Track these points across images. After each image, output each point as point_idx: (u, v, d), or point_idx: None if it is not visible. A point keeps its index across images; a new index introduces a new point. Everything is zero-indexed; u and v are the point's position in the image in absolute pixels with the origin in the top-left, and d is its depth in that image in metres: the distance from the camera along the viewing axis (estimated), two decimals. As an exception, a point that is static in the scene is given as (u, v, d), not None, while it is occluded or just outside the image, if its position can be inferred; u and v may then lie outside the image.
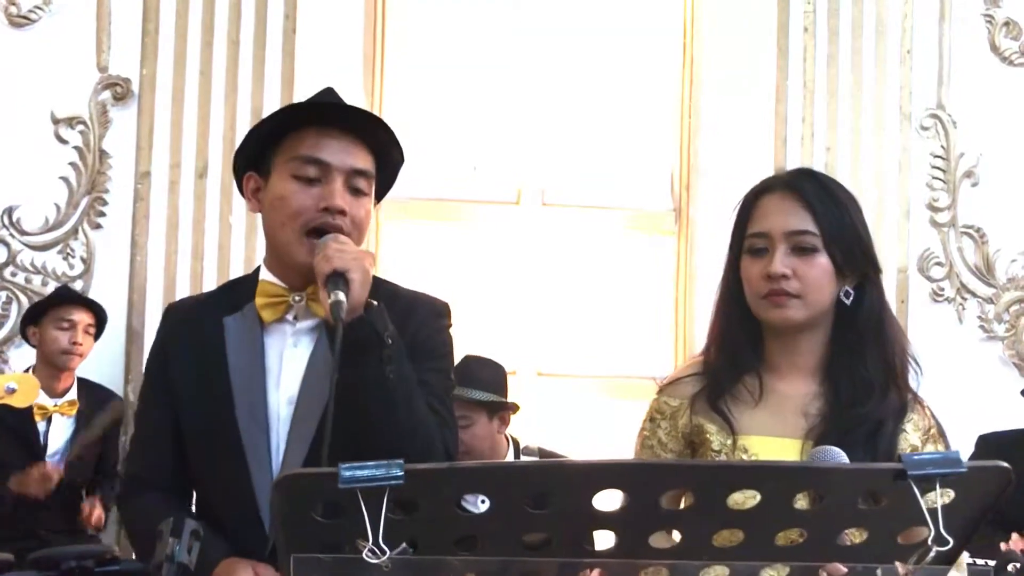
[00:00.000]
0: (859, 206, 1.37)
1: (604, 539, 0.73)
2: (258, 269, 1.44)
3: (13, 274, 3.42)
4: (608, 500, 0.70)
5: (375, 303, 1.25)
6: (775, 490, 0.70)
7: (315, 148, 1.34)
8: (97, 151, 3.45)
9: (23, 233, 3.42)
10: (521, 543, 0.71)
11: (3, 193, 3.41)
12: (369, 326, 1.23)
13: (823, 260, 1.30)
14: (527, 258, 3.59)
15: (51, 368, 3.13)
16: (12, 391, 2.29)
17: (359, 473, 0.64)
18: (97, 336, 3.21)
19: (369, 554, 0.64)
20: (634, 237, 3.66)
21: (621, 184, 3.64)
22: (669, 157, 3.67)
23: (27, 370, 3.18)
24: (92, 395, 3.24)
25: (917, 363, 1.36)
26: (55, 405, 3.15)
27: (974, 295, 3.68)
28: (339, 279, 1.22)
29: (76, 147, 3.45)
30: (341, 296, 1.20)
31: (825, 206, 1.31)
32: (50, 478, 2.76)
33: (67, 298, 3.18)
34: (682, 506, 0.71)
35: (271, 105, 3.40)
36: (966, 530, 0.70)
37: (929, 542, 0.66)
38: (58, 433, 3.19)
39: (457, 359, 2.65)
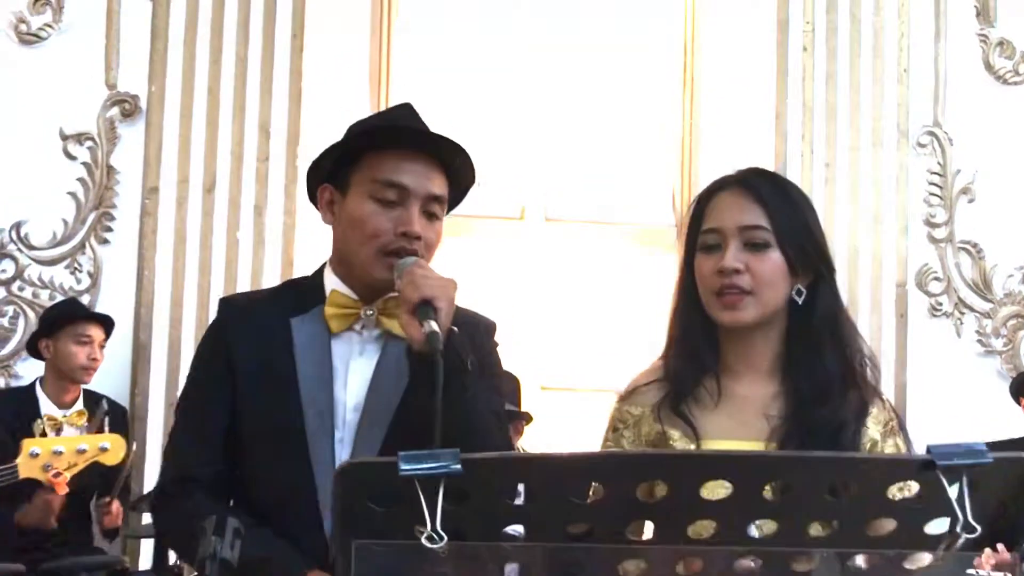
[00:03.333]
0: (812, 205, 1.38)
1: (645, 529, 0.76)
2: (319, 272, 1.44)
3: (21, 289, 3.44)
4: (654, 490, 0.73)
5: (455, 329, 1.27)
6: (805, 481, 0.73)
7: (395, 172, 1.35)
8: (105, 167, 3.48)
9: (31, 248, 3.45)
10: (566, 533, 0.74)
11: (11, 208, 3.44)
12: (455, 354, 1.24)
13: (776, 256, 1.29)
14: (530, 273, 3.63)
15: (63, 380, 3.14)
16: (105, 450, 2.55)
17: (418, 462, 0.67)
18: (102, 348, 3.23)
19: (427, 540, 0.67)
20: (636, 252, 3.71)
21: (623, 200, 3.69)
22: (671, 173, 3.72)
23: (36, 381, 3.19)
24: (100, 407, 3.25)
25: (874, 363, 1.36)
26: (64, 416, 3.16)
27: (972, 310, 3.73)
28: (428, 307, 1.24)
29: (84, 163, 3.48)
30: (435, 327, 1.22)
31: (778, 203, 1.31)
32: (51, 506, 2.76)
33: (84, 314, 3.20)
34: (716, 497, 0.74)
35: (279, 122, 3.45)
36: (989, 520, 0.73)
37: (958, 530, 0.70)
38: (65, 445, 3.20)
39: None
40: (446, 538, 0.67)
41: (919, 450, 1.35)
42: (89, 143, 3.48)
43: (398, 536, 0.71)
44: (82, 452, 2.54)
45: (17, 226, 3.44)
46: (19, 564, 2.72)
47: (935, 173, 3.73)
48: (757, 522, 0.75)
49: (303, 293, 1.43)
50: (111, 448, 2.54)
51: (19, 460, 2.45)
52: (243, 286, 3.40)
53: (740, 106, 3.60)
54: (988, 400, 3.59)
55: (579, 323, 3.65)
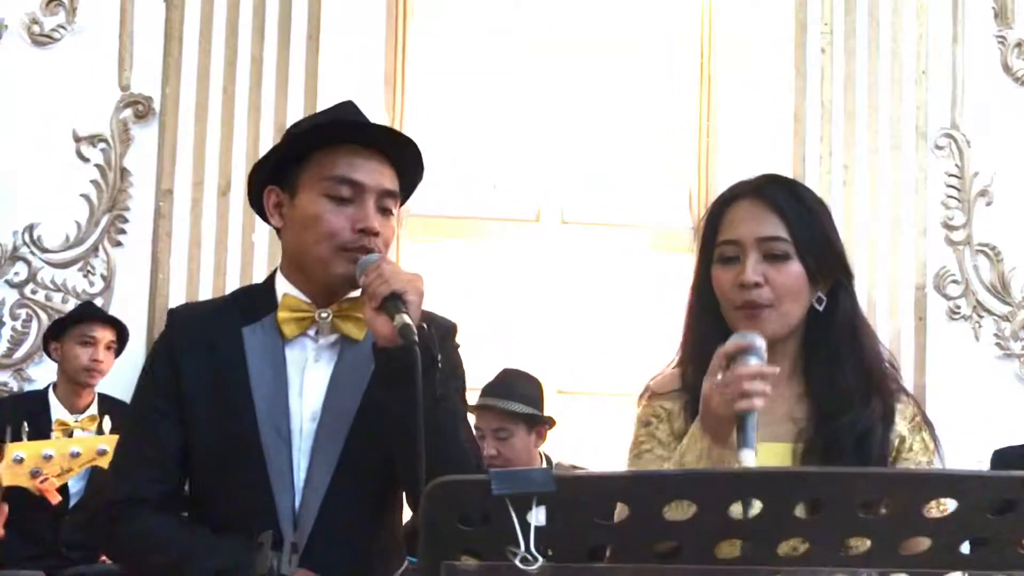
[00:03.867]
0: (829, 211, 1.36)
1: (731, 548, 0.74)
2: (271, 280, 1.40)
3: (34, 292, 3.41)
4: (743, 508, 0.70)
5: (424, 325, 1.24)
6: (904, 498, 0.71)
7: (349, 168, 1.32)
8: (118, 169, 3.45)
9: (44, 251, 3.42)
10: (652, 552, 0.72)
11: (24, 211, 3.41)
12: (426, 348, 1.21)
13: (795, 267, 1.28)
14: (547, 276, 3.61)
15: (72, 384, 3.12)
16: (103, 453, 2.26)
17: (510, 479, 0.65)
18: (118, 353, 3.20)
19: (521, 562, 0.64)
20: (653, 255, 3.69)
21: (640, 202, 3.67)
22: (688, 175, 3.70)
23: (49, 386, 3.17)
24: (113, 411, 3.22)
25: (894, 366, 1.36)
26: (76, 421, 3.13)
27: (990, 313, 3.71)
28: (398, 300, 1.21)
29: (97, 165, 3.46)
30: (407, 319, 1.19)
31: (796, 212, 1.29)
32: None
33: (90, 315, 3.17)
34: (808, 515, 0.72)
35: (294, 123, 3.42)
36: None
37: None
38: (79, 450, 3.17)
39: (493, 373, 2.68)
40: (540, 559, 0.64)
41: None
42: (102, 145, 3.46)
43: (483, 556, 0.68)
44: (76, 456, 2.28)
45: (30, 228, 3.42)
46: (38, 571, 2.70)
47: (953, 175, 3.71)
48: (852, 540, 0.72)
49: (254, 301, 1.39)
50: (111, 451, 2.38)
51: (1, 466, 2.22)
52: (258, 289, 3.38)
53: (757, 108, 3.58)
54: (1007, 403, 3.57)
55: (596, 326, 3.63)
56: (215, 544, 1.25)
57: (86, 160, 3.45)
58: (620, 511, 0.72)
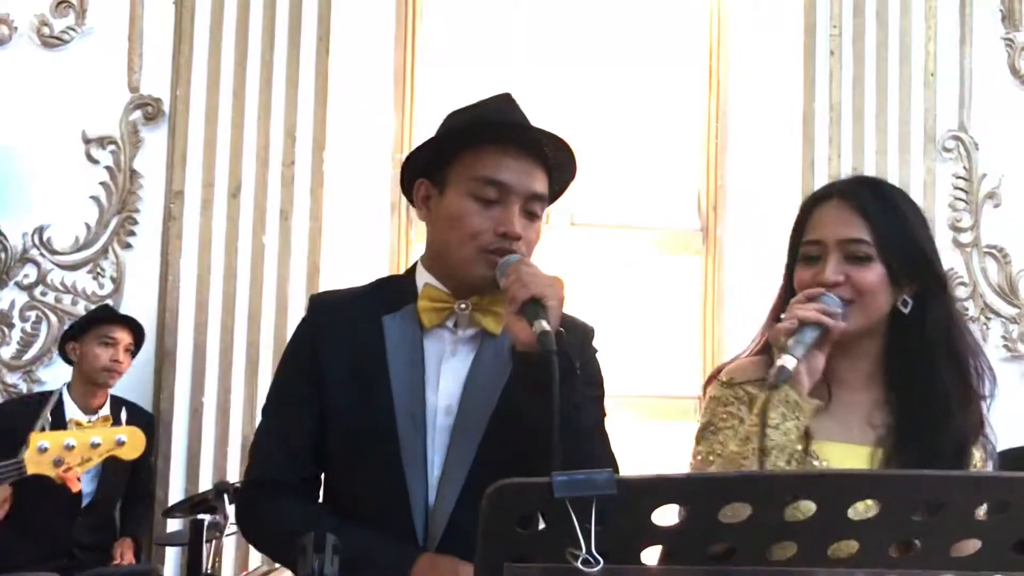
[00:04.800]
0: (923, 217, 1.37)
1: (786, 550, 0.74)
2: (412, 270, 1.40)
3: (43, 293, 3.41)
4: (800, 510, 0.71)
5: (563, 331, 1.22)
6: (958, 501, 0.71)
7: (496, 169, 1.30)
8: (128, 171, 3.45)
9: (53, 252, 3.42)
10: (706, 554, 0.72)
11: (34, 212, 3.41)
12: (565, 356, 1.18)
13: (877, 268, 1.28)
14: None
15: (88, 385, 3.12)
16: (121, 443, 2.32)
17: (573, 482, 0.65)
18: (133, 355, 3.21)
19: (583, 564, 0.65)
20: (662, 257, 3.69)
21: (649, 205, 3.67)
22: (697, 178, 3.70)
23: (64, 386, 3.17)
24: (125, 413, 3.22)
25: (991, 371, 1.35)
26: (90, 421, 3.13)
27: (998, 315, 3.71)
28: (537, 306, 1.19)
29: (107, 167, 3.46)
30: (546, 326, 1.16)
31: (881, 215, 1.30)
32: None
33: (111, 316, 3.18)
34: (865, 517, 0.72)
35: (304, 125, 3.43)
36: None
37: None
38: (90, 451, 3.17)
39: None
40: (602, 561, 0.65)
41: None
42: (112, 147, 3.46)
43: (540, 559, 0.69)
44: (96, 446, 2.35)
45: (39, 230, 3.41)
46: (51, 573, 2.70)
47: (961, 178, 3.72)
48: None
49: (395, 290, 1.38)
50: (128, 441, 2.35)
51: (26, 455, 2.28)
52: (269, 292, 3.38)
53: (767, 110, 3.58)
54: (1014, 405, 3.56)
55: (605, 329, 3.62)
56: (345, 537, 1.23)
57: (96, 162, 3.45)
58: (674, 513, 0.72)
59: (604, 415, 1.39)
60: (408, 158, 1.39)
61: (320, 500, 1.38)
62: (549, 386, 1.10)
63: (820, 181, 3.56)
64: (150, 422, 3.29)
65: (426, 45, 3.63)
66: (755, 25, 3.61)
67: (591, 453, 1.24)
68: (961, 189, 3.73)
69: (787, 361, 1.21)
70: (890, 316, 1.31)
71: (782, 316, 1.28)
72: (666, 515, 0.72)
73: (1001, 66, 3.75)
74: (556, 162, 1.35)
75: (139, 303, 3.39)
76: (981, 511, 0.76)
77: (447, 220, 1.33)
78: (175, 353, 3.36)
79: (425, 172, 1.37)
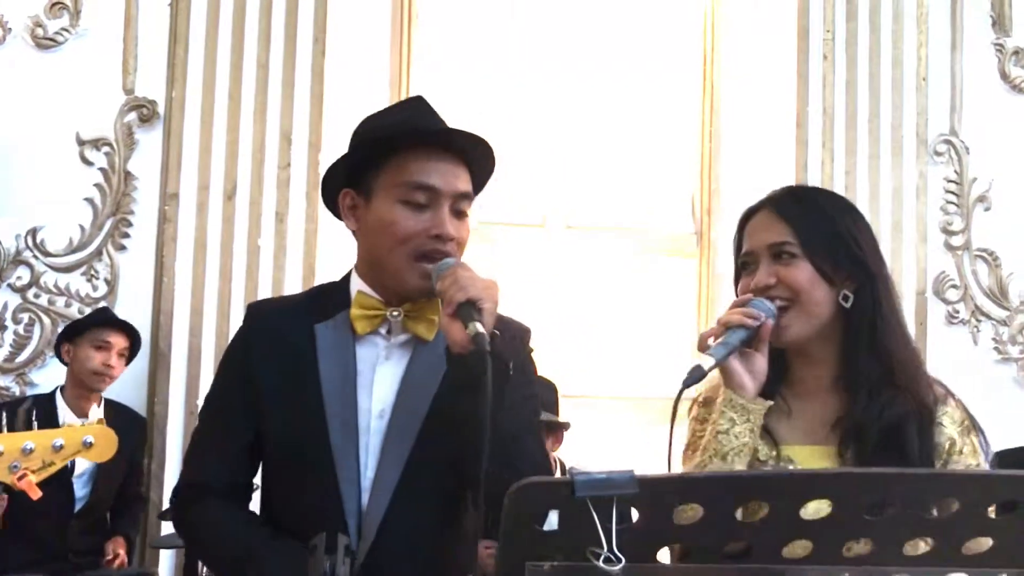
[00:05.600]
0: (853, 216, 1.40)
1: (801, 548, 0.75)
2: (346, 278, 1.41)
3: (36, 296, 3.40)
4: (815, 510, 0.72)
5: (497, 332, 1.23)
6: (907, 498, 0.72)
7: (423, 174, 1.32)
8: (122, 172, 3.44)
9: (47, 255, 3.41)
10: (723, 552, 0.73)
11: (27, 214, 3.39)
12: (499, 358, 1.19)
13: (805, 266, 1.32)
14: (552, 280, 3.62)
15: (80, 388, 3.11)
16: (89, 445, 2.18)
17: (594, 481, 0.66)
18: (129, 360, 3.20)
19: (604, 563, 0.65)
20: (656, 260, 3.70)
21: (644, 208, 3.69)
22: (691, 181, 3.72)
23: (57, 389, 3.15)
24: (118, 416, 3.21)
25: (920, 364, 1.37)
26: (83, 424, 3.11)
27: (988, 317, 3.74)
28: (472, 308, 1.21)
29: (101, 168, 3.44)
30: (480, 328, 1.18)
31: (803, 216, 1.34)
32: None
33: (107, 320, 3.17)
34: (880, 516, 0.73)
35: (300, 127, 3.43)
36: None
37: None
38: (84, 455, 3.15)
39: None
40: (624, 560, 0.65)
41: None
42: (106, 148, 3.45)
43: (559, 558, 0.69)
44: (59, 449, 2.07)
45: (33, 232, 3.40)
46: (47, 576, 2.68)
47: (952, 181, 3.75)
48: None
49: (328, 298, 1.40)
50: (97, 442, 2.11)
51: None
52: (264, 294, 3.37)
53: (760, 114, 3.61)
54: (1005, 407, 3.60)
55: (599, 330, 3.64)
56: (274, 547, 1.26)
57: (90, 164, 3.44)
58: (691, 512, 0.73)
59: (538, 415, 1.41)
60: (330, 170, 1.40)
61: (251, 506, 1.41)
62: (482, 386, 1.12)
63: (813, 184, 3.59)
64: (143, 425, 3.28)
65: (422, 47, 3.64)
66: (749, 29, 3.63)
67: (523, 452, 1.26)
68: (952, 192, 3.76)
69: (704, 360, 1.26)
70: (840, 317, 1.34)
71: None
72: (685, 514, 0.73)
73: (991, 71, 3.79)
74: (475, 157, 1.38)
75: (133, 306, 3.38)
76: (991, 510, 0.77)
77: (377, 227, 1.34)
78: (170, 356, 3.35)
79: (349, 182, 1.38)
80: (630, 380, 3.62)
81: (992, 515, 0.76)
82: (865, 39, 3.66)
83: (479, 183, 1.41)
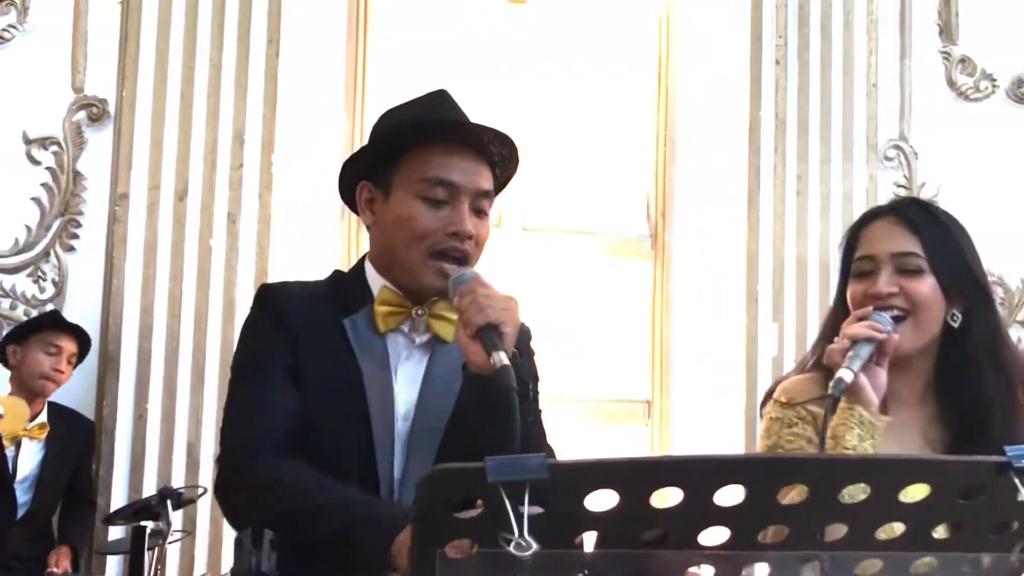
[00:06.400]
0: (967, 234, 1.41)
1: (717, 535, 0.76)
2: (360, 271, 1.36)
3: (-20, 297, 3.33)
4: (729, 495, 0.72)
5: (517, 352, 1.21)
6: (883, 484, 0.73)
7: (444, 169, 1.29)
8: (71, 172, 3.39)
9: (-8, 255, 3.34)
10: (640, 539, 0.73)
11: (-28, 214, 3.33)
12: (522, 384, 1.16)
13: (930, 280, 1.32)
14: (507, 282, 3.62)
15: (25, 391, 3.05)
16: None
17: (505, 467, 0.66)
18: (77, 364, 3.14)
19: (515, 548, 0.65)
20: (612, 262, 3.72)
21: (599, 210, 3.70)
22: (646, 184, 3.75)
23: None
24: (64, 420, 3.16)
25: None
26: (26, 428, 3.06)
27: (937, 320, 3.81)
28: (493, 332, 1.17)
29: (49, 168, 3.39)
30: (505, 358, 1.14)
31: (930, 229, 1.35)
32: None
33: (57, 323, 3.11)
34: (795, 501, 0.74)
35: (253, 128, 3.40)
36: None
37: (1034, 531, 0.70)
38: (27, 458, 3.10)
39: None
40: (535, 545, 0.65)
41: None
42: (54, 148, 3.39)
43: (479, 545, 0.69)
44: None
45: (-23, 232, 3.33)
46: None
47: (901, 186, 3.81)
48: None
49: (349, 291, 1.35)
50: (7, 414, 2.13)
51: None
52: (215, 296, 3.33)
53: (714, 118, 3.64)
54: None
55: (555, 332, 3.64)
56: (354, 500, 1.17)
57: (37, 163, 3.38)
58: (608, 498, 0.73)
59: (545, 436, 1.37)
60: (348, 161, 1.37)
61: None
62: (503, 411, 1.10)
63: (766, 188, 3.64)
64: (90, 429, 3.23)
65: (378, 48, 3.63)
66: (703, 35, 3.67)
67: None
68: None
69: (844, 374, 1.25)
70: (941, 332, 1.35)
71: (836, 338, 1.31)
72: (601, 500, 0.73)
73: (939, 79, 3.86)
74: (500, 157, 1.36)
75: (82, 308, 3.32)
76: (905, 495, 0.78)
77: (394, 222, 1.31)
78: (119, 359, 3.30)
79: (367, 175, 1.35)
80: (585, 381, 3.63)
81: (962, 501, 0.77)
82: (817, 46, 3.72)
83: (502, 182, 1.39)
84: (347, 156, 1.43)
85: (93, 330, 3.27)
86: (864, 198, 3.74)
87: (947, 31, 3.88)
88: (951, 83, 3.87)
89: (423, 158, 1.30)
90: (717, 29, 3.67)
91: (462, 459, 1.23)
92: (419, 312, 1.31)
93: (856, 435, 1.25)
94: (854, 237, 1.40)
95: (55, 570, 2.98)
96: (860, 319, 1.30)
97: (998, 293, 3.86)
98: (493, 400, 1.13)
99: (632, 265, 3.72)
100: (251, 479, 1.23)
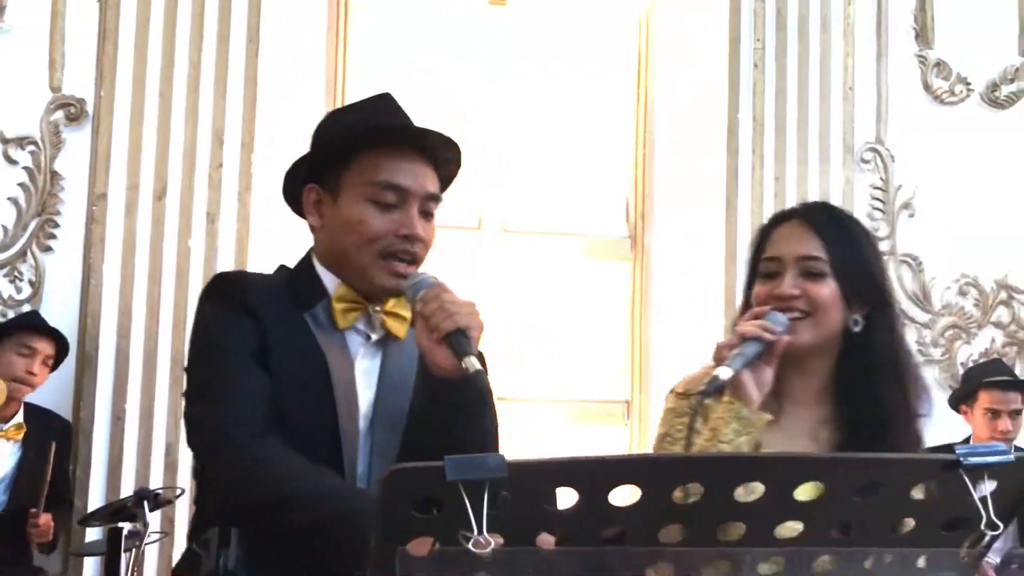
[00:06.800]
0: (873, 242, 1.45)
1: (673, 532, 0.77)
2: (308, 266, 1.36)
3: (-45, 298, 3.30)
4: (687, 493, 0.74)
5: (482, 354, 1.24)
6: (838, 482, 0.75)
7: (393, 173, 1.31)
8: (48, 172, 3.37)
9: (-33, 255, 3.32)
10: (599, 537, 0.74)
11: (-53, 214, 3.30)
12: (485, 385, 1.20)
13: (831, 284, 1.35)
14: (488, 283, 3.63)
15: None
16: None
17: (464, 466, 0.67)
18: (54, 367, 3.12)
19: (474, 546, 0.66)
20: (591, 263, 3.74)
21: (579, 212, 3.72)
22: (625, 186, 3.77)
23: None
24: (40, 420, 3.14)
25: (928, 393, 1.42)
26: (2, 430, 3.04)
27: (912, 321, 3.85)
28: (462, 337, 1.19)
29: (26, 167, 3.37)
30: (477, 363, 1.17)
31: (836, 236, 1.37)
32: None
33: (33, 325, 3.09)
34: (750, 499, 0.76)
35: (233, 128, 3.39)
36: (1007, 518, 0.76)
37: (982, 527, 0.72)
38: (3, 459, 3.08)
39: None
40: (493, 543, 0.66)
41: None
42: (31, 147, 3.37)
43: (439, 543, 0.70)
44: None
45: (-48, 232, 3.31)
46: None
47: (878, 188, 3.85)
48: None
49: (303, 287, 1.35)
50: None
51: None
52: (194, 297, 3.30)
53: (693, 121, 3.67)
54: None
55: (535, 334, 3.66)
56: (337, 491, 1.17)
57: (14, 163, 3.36)
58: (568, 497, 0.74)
59: (498, 434, 1.39)
60: (294, 165, 1.38)
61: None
62: (472, 413, 1.15)
63: (744, 190, 3.66)
64: (67, 430, 3.21)
65: (357, 50, 3.63)
66: (682, 37, 3.70)
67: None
68: (878, 199, 3.86)
69: (721, 372, 1.27)
70: (841, 336, 1.37)
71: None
72: (562, 499, 0.74)
73: (915, 82, 3.91)
74: (443, 160, 1.38)
75: (59, 308, 3.30)
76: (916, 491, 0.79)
77: (344, 225, 1.32)
78: (96, 359, 3.28)
79: (314, 177, 1.36)
80: (565, 382, 3.64)
81: (914, 497, 0.78)
82: (794, 49, 3.75)
83: (445, 184, 1.40)
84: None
85: (70, 331, 3.25)
86: (841, 200, 3.77)
87: (923, 35, 3.92)
88: (927, 87, 3.91)
89: (372, 162, 1.32)
90: (696, 32, 3.70)
91: (423, 452, 1.26)
92: (375, 309, 1.33)
93: (733, 429, 1.28)
94: (763, 238, 1.43)
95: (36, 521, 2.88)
96: (755, 317, 1.33)
97: (972, 295, 3.92)
98: (460, 402, 1.15)
99: (612, 266, 3.74)
100: (233, 464, 1.21)
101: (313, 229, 1.38)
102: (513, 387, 3.63)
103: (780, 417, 1.36)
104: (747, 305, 1.42)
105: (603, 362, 3.70)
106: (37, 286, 3.34)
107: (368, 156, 1.32)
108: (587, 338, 3.70)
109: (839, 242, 1.37)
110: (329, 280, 1.35)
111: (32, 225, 3.35)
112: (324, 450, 1.26)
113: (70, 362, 3.26)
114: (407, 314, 1.32)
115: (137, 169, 3.35)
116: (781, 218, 1.43)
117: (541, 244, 3.70)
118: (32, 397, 3.15)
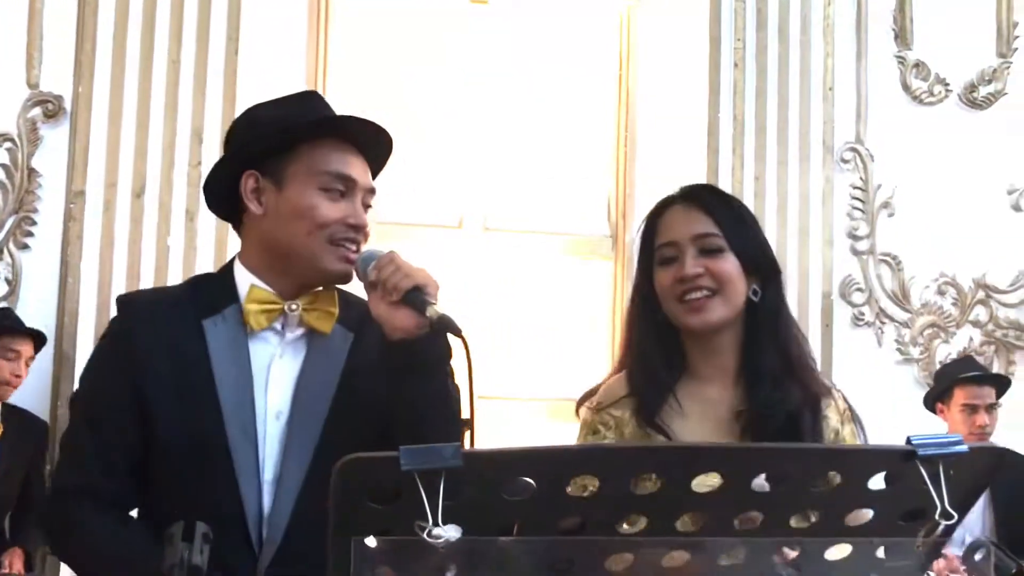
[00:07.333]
0: (752, 215, 1.48)
1: (631, 522, 0.77)
2: (228, 270, 1.36)
3: (-69, 296, 3.28)
4: (645, 484, 0.74)
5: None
6: (793, 473, 0.75)
7: (342, 164, 1.33)
8: (26, 169, 3.35)
9: (-57, 253, 3.29)
10: (557, 528, 0.74)
11: (-77, 211, 3.27)
12: (444, 341, 1.22)
13: (731, 258, 1.37)
14: (468, 282, 3.63)
15: (-19, 394, 3.01)
16: None
17: (419, 454, 0.67)
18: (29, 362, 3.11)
19: (430, 536, 0.66)
20: (572, 262, 3.74)
21: (560, 210, 3.72)
22: (606, 185, 3.77)
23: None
24: (18, 421, 3.12)
25: (811, 359, 1.44)
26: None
27: (892, 320, 3.88)
28: (422, 293, 1.23)
29: (3, 164, 3.35)
30: (440, 309, 1.19)
31: (724, 211, 1.40)
32: None
33: (14, 327, 3.07)
34: (706, 489, 0.76)
35: (212, 125, 3.37)
36: (963, 508, 0.76)
37: (937, 517, 0.73)
38: (-19, 460, 3.06)
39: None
40: (450, 533, 0.66)
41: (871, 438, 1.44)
42: (8, 144, 3.35)
43: (395, 533, 0.70)
44: None
45: (-72, 230, 3.28)
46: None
47: (857, 188, 3.87)
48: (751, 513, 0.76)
49: (212, 292, 1.34)
50: None
51: None
52: (173, 294, 3.31)
53: (673, 120, 3.68)
54: (906, 405, 3.73)
55: (517, 332, 3.66)
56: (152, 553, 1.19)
57: (-10, 160, 3.34)
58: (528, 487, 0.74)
59: (460, 404, 1.42)
60: (233, 153, 1.38)
61: (134, 511, 1.35)
62: (436, 365, 1.17)
63: (724, 189, 3.67)
64: (44, 431, 3.19)
65: (338, 48, 3.62)
66: (662, 37, 3.71)
67: (450, 434, 1.26)
68: (858, 199, 3.88)
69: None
70: (745, 311, 1.39)
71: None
72: (517, 489, 0.74)
73: (894, 82, 3.93)
74: (375, 155, 1.40)
75: (36, 306, 3.28)
76: (836, 481, 0.79)
77: (293, 212, 1.32)
78: (74, 359, 3.26)
79: (252, 166, 1.35)
80: (544, 382, 3.64)
81: (871, 487, 0.79)
82: (775, 49, 3.77)
83: (374, 175, 1.42)
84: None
85: (48, 329, 3.23)
86: (820, 199, 3.79)
87: (902, 36, 3.95)
88: (906, 87, 3.94)
89: (321, 152, 1.33)
90: (676, 31, 3.71)
91: (344, 449, 1.27)
92: (292, 307, 1.33)
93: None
94: (651, 226, 1.42)
95: (7, 571, 2.94)
96: None
97: (950, 294, 3.95)
98: (419, 360, 1.17)
99: (593, 265, 3.74)
100: (53, 523, 1.31)
101: (251, 218, 1.35)
102: (494, 385, 3.63)
103: (697, 403, 1.36)
104: (641, 297, 1.41)
105: (584, 360, 3.70)
106: (14, 284, 3.31)
107: (314, 146, 1.33)
108: (568, 336, 3.70)
109: (728, 216, 1.39)
110: (244, 283, 1.34)
111: (9, 223, 3.33)
112: (212, 461, 1.26)
113: (47, 361, 3.24)
114: (334, 309, 1.33)
115: (115, 166, 3.33)
116: (666, 203, 1.43)
117: (522, 243, 3.70)
118: (9, 398, 3.12)
